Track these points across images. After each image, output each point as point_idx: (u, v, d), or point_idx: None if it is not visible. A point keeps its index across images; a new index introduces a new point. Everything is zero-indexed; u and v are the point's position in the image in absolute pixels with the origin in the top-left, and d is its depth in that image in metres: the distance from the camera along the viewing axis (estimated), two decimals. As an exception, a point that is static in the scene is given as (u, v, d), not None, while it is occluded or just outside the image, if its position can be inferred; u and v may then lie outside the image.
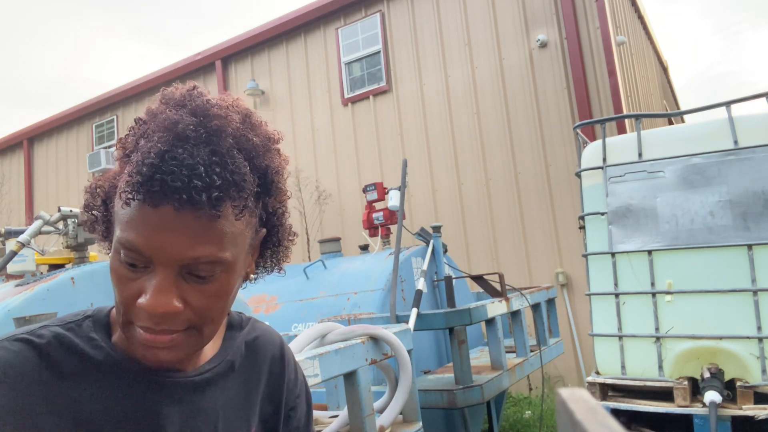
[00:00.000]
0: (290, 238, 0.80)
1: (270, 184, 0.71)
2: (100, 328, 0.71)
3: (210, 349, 0.78)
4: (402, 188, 4.29)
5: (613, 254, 3.30)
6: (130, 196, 0.61)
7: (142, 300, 0.62)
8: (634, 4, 8.41)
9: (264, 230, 0.75)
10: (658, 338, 3.08)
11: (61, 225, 2.47)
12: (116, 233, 0.64)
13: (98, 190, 0.71)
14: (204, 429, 0.74)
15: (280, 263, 0.82)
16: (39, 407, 0.62)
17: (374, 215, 5.33)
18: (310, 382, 1.94)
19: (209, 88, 0.73)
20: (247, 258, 0.72)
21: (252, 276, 0.77)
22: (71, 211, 2.43)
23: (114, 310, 0.73)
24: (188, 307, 0.64)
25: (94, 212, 0.72)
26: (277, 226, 0.77)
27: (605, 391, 3.15)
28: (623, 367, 3.16)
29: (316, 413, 2.46)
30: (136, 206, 0.61)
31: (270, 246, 0.78)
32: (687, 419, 2.86)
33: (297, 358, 1.91)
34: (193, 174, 0.60)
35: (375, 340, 2.34)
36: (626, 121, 5.80)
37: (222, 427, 0.76)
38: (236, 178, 0.63)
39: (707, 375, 2.84)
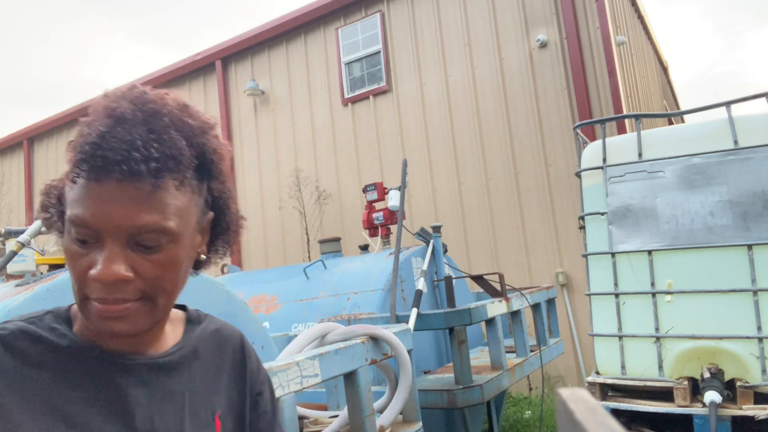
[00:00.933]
0: (239, 223, 0.85)
1: (210, 164, 0.75)
2: (62, 320, 0.74)
3: (172, 337, 0.82)
4: (402, 188, 4.29)
5: (613, 254, 3.30)
6: (75, 173, 0.66)
7: (93, 271, 0.65)
8: (634, 4, 8.41)
9: (212, 213, 0.79)
10: (658, 338, 3.08)
11: (61, 225, 2.47)
12: (66, 215, 0.68)
13: (53, 189, 0.76)
14: (171, 411, 0.76)
15: (230, 247, 0.86)
16: (7, 394, 0.64)
17: (374, 215, 5.33)
18: (310, 382, 1.94)
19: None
20: (196, 237, 0.76)
21: (203, 257, 0.81)
22: (71, 211, 2.42)
23: (74, 306, 0.76)
24: (138, 277, 0.67)
25: (51, 210, 0.75)
26: (224, 210, 0.81)
27: (605, 391, 3.15)
28: (623, 367, 3.16)
29: (316, 413, 2.46)
30: (82, 184, 0.66)
31: (220, 230, 0.82)
32: (687, 419, 2.86)
33: (297, 358, 1.91)
34: (132, 148, 0.64)
35: (375, 340, 2.34)
36: (626, 121, 5.80)
37: (188, 411, 0.78)
38: (173, 152, 0.68)
39: (707, 375, 2.84)
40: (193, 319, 0.89)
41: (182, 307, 0.90)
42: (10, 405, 0.64)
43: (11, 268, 2.53)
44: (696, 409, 2.82)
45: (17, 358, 0.67)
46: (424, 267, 4.01)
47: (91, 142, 0.65)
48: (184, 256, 0.72)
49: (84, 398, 0.69)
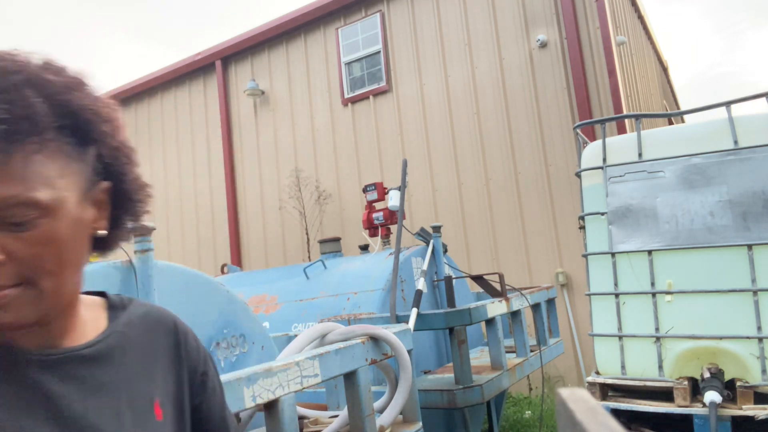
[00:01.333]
0: (143, 192, 0.77)
1: (87, 124, 0.67)
2: None
3: (94, 326, 0.76)
4: (402, 188, 4.29)
5: (613, 254, 3.30)
6: None
7: None
8: (634, 4, 8.41)
9: (106, 183, 0.72)
10: (658, 338, 3.08)
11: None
12: None
13: None
14: (107, 403, 0.71)
15: (137, 220, 0.78)
16: None
17: (374, 215, 5.34)
18: (310, 382, 1.94)
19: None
20: (86, 210, 0.68)
21: (101, 232, 0.73)
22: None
23: None
24: (11, 259, 0.60)
25: None
26: (121, 178, 0.73)
27: (605, 391, 3.15)
28: (623, 367, 3.16)
29: (316, 413, 2.47)
30: None
31: (121, 202, 0.75)
32: (687, 419, 2.86)
33: (297, 358, 1.91)
34: None
35: (375, 340, 2.34)
36: (626, 121, 5.80)
37: (126, 401, 0.73)
38: (27, 111, 0.59)
39: (707, 375, 2.84)
40: (116, 305, 0.82)
41: (102, 294, 0.83)
42: None
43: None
44: (696, 409, 2.82)
45: None
46: (424, 267, 4.01)
47: None
48: (67, 231, 0.64)
49: (6, 404, 0.62)
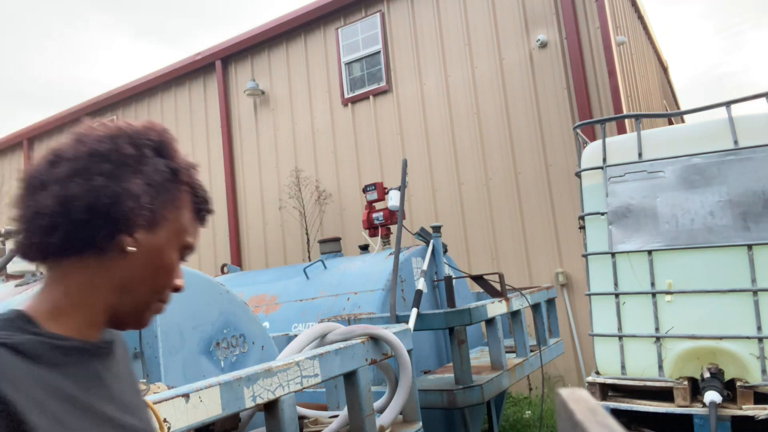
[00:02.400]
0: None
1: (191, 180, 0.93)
2: (32, 325, 0.72)
3: None
4: (402, 188, 4.29)
5: (613, 254, 3.30)
6: (203, 215, 0.90)
7: (179, 281, 0.85)
8: (634, 4, 8.41)
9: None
10: (658, 338, 3.08)
11: (61, 225, 2.47)
12: (184, 240, 0.86)
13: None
14: (128, 388, 0.83)
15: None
16: (51, 406, 0.67)
17: (374, 215, 5.33)
18: (310, 382, 1.94)
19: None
20: None
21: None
22: (71, 211, 2.42)
23: (21, 312, 0.74)
24: None
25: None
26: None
27: (605, 391, 3.15)
28: (623, 367, 3.16)
29: (316, 413, 2.46)
30: (197, 223, 0.90)
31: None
32: (687, 419, 2.86)
33: (297, 358, 1.91)
34: None
35: (375, 340, 2.34)
36: (626, 121, 5.80)
37: (130, 389, 0.84)
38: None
39: (707, 375, 2.84)
40: None
41: None
42: (59, 414, 0.66)
43: (11, 268, 2.53)
44: (696, 409, 2.82)
45: (34, 363, 0.67)
46: (424, 267, 4.01)
47: (207, 197, 0.89)
48: None
49: (87, 388, 0.73)
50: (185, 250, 0.85)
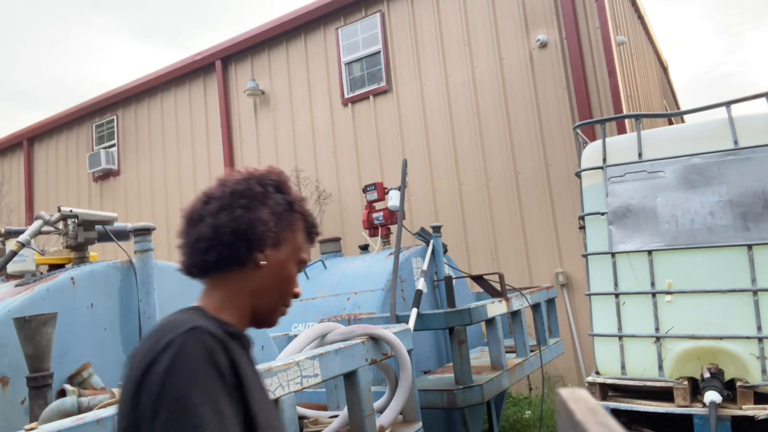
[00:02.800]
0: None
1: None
2: (222, 324, 0.98)
3: None
4: (402, 188, 4.29)
5: (613, 254, 3.30)
6: (313, 236, 1.15)
7: (297, 289, 1.10)
8: (634, 4, 8.41)
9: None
10: (658, 338, 3.08)
11: (61, 225, 2.47)
12: (298, 256, 1.11)
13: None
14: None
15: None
16: (246, 381, 0.93)
17: (374, 215, 5.33)
18: (310, 382, 1.94)
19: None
20: None
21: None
22: (71, 211, 2.42)
23: (204, 307, 1.02)
24: None
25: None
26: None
27: (605, 391, 3.15)
28: (623, 367, 3.16)
29: (316, 413, 2.46)
30: (308, 242, 1.15)
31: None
32: (687, 419, 2.86)
33: (297, 358, 1.91)
34: None
35: (375, 340, 2.34)
36: (626, 121, 5.80)
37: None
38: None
39: (707, 375, 2.84)
40: None
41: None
42: (249, 373, 0.94)
43: (11, 268, 2.53)
44: (696, 409, 2.82)
45: (229, 351, 0.91)
46: (424, 267, 4.01)
47: (316, 222, 1.14)
48: None
49: (253, 375, 1.00)
50: (301, 264, 1.10)
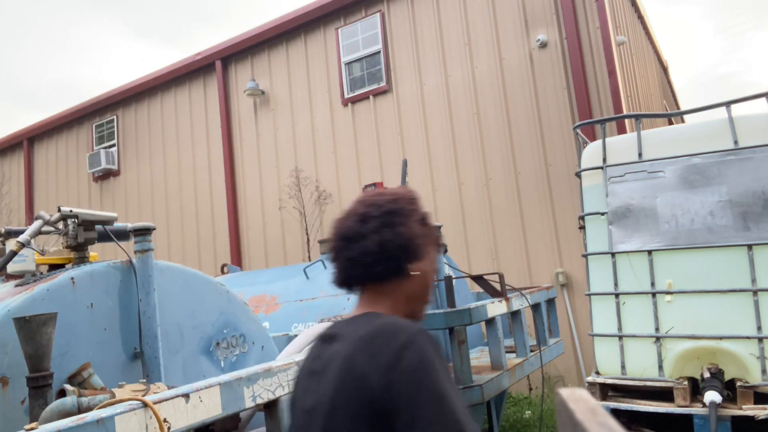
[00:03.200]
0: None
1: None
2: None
3: None
4: (402, 188, 4.28)
5: (613, 254, 3.30)
6: (443, 247, 1.37)
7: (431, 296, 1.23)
8: (634, 4, 8.41)
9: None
10: (658, 338, 3.08)
11: (61, 225, 2.47)
12: (434, 261, 1.22)
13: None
14: None
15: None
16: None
17: (374, 215, 5.33)
18: (310, 382, 1.94)
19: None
20: None
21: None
22: (71, 211, 2.42)
23: (390, 314, 1.13)
24: None
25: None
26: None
27: (605, 391, 3.15)
28: (623, 367, 3.16)
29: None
30: (436, 251, 1.24)
31: None
32: (687, 419, 2.86)
33: (297, 358, 1.91)
34: None
35: (375, 340, 2.33)
36: (626, 121, 5.80)
37: None
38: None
39: (707, 375, 2.84)
40: None
41: None
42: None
43: (11, 268, 2.53)
44: (696, 409, 2.82)
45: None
46: (424, 267, 4.00)
47: (440, 234, 1.20)
48: None
49: None
50: (435, 273, 1.22)
